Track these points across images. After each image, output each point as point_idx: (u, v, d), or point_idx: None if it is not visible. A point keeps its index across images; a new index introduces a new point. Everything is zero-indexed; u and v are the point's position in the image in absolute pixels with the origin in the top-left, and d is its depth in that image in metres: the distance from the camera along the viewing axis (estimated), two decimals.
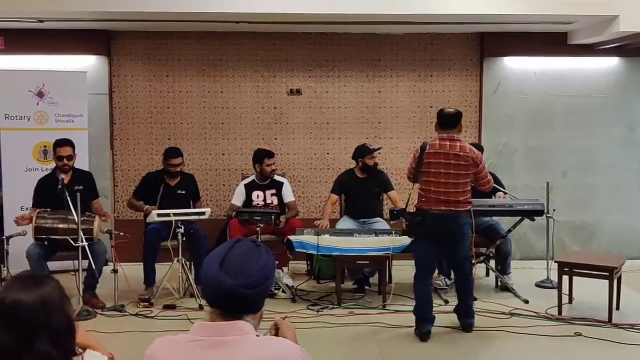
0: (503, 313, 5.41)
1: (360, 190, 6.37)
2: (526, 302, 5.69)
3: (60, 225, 5.41)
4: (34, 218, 5.39)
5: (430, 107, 7.34)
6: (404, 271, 6.21)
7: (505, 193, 6.09)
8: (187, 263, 5.85)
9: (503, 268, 6.14)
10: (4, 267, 5.29)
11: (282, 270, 6.07)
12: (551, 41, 7.12)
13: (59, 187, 5.38)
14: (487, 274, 6.51)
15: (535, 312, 5.41)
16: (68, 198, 5.26)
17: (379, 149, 6.50)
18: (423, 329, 4.86)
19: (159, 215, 5.69)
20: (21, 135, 6.50)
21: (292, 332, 1.91)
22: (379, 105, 7.37)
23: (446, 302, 5.62)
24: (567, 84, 7.37)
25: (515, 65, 7.34)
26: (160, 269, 5.87)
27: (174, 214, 5.67)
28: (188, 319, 5.23)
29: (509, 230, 6.06)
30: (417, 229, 4.90)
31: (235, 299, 1.74)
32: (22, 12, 6.06)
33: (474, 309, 5.11)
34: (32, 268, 5.22)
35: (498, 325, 5.14)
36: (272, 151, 6.52)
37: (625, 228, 7.45)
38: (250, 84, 7.30)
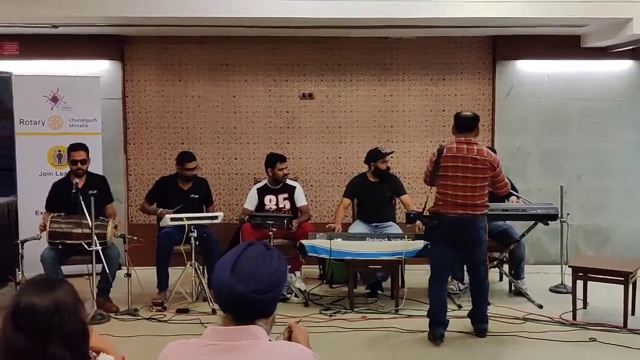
0: (517, 318, 5.38)
1: (373, 195, 6.36)
2: (540, 307, 5.65)
3: (75, 230, 5.45)
4: (49, 222, 5.43)
5: (443, 110, 7.32)
6: (416, 275, 6.20)
7: (518, 197, 6.05)
8: (200, 267, 5.86)
9: (517, 273, 6.11)
10: (19, 271, 5.32)
11: (295, 275, 6.07)
12: (564, 44, 7.09)
13: (73, 191, 5.42)
14: (501, 279, 6.47)
15: (549, 317, 5.37)
16: (82, 202, 5.29)
17: (391, 153, 6.49)
18: (437, 333, 4.85)
19: (172, 219, 5.71)
20: (36, 139, 6.55)
21: (305, 336, 1.91)
22: (391, 109, 7.36)
23: (459, 306, 5.59)
24: (581, 87, 7.32)
25: (528, 68, 7.31)
26: (174, 273, 5.88)
27: (187, 218, 5.69)
28: (201, 323, 5.24)
29: (523, 235, 6.03)
30: (434, 233, 4.89)
31: (247, 304, 1.74)
32: (36, 17, 6.12)
33: (488, 314, 5.08)
34: (46, 272, 5.26)
35: (512, 330, 5.10)
36: (284, 155, 6.52)
37: (639, 232, 7.39)
38: (263, 89, 7.31)
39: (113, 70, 7.17)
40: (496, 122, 7.33)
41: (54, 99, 6.62)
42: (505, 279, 6.29)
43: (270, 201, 6.39)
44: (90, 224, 5.26)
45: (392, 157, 6.58)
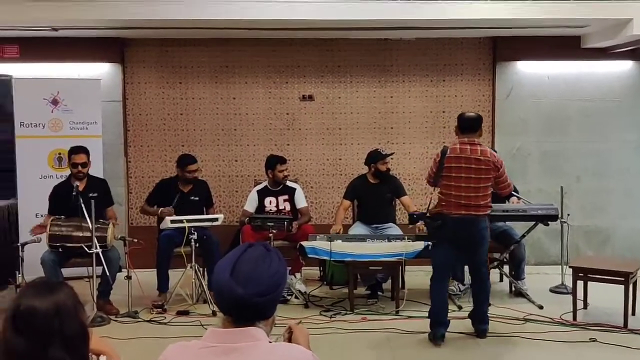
0: (517, 319, 5.38)
1: (373, 196, 6.36)
2: (540, 307, 5.65)
3: (75, 233, 5.45)
4: (49, 225, 5.43)
5: (443, 112, 7.33)
6: (417, 277, 6.21)
7: (519, 198, 6.06)
8: (200, 269, 5.86)
9: (517, 273, 6.11)
10: (19, 273, 5.32)
11: (295, 276, 6.08)
12: (564, 45, 7.10)
13: (74, 194, 5.42)
14: (501, 280, 6.47)
15: (549, 318, 5.37)
16: (82, 205, 5.29)
17: (391, 154, 6.49)
18: (437, 333, 4.85)
19: (172, 221, 5.71)
20: (36, 142, 6.55)
21: (305, 337, 1.91)
22: (391, 110, 7.37)
23: (460, 307, 5.59)
24: (581, 88, 7.33)
25: (528, 69, 7.32)
26: (174, 275, 5.88)
27: (187, 221, 5.70)
28: (201, 325, 5.24)
29: (523, 236, 6.03)
30: (437, 233, 4.90)
31: (246, 307, 1.73)
32: (37, 20, 6.13)
33: (488, 315, 5.08)
34: (46, 275, 5.27)
35: (512, 331, 5.11)
36: (284, 157, 6.53)
37: (639, 232, 7.38)
38: (263, 90, 7.32)
39: (113, 73, 7.17)
40: (496, 123, 7.33)
41: (54, 102, 6.63)
42: (506, 279, 6.29)
43: (270, 203, 6.40)
44: (90, 226, 5.26)
45: (392, 159, 6.58)
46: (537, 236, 7.00)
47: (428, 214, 5.07)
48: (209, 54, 7.26)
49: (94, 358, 1.91)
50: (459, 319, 5.20)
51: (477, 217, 4.78)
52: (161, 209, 6.01)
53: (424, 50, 7.31)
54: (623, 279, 5.14)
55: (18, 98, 6.55)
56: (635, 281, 5.33)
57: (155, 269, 5.91)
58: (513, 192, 5.82)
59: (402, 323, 5.31)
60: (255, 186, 6.59)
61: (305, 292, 5.95)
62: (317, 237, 5.90)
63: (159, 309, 5.61)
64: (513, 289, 6.14)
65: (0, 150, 7.02)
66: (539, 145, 7.38)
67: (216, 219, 5.91)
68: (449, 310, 5.06)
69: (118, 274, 5.69)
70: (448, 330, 4.94)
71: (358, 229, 6.31)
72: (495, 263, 6.05)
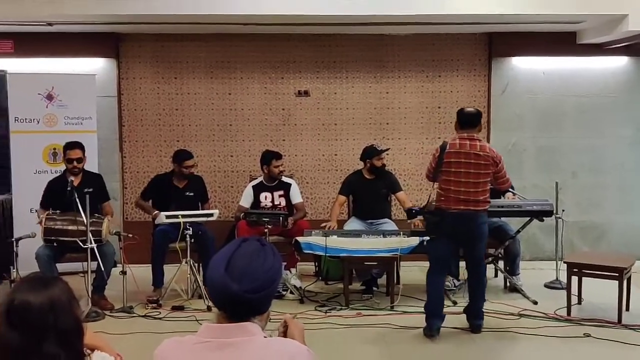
0: (512, 314, 5.40)
1: (368, 192, 6.36)
2: (535, 303, 5.67)
3: (70, 227, 5.44)
4: (44, 220, 5.42)
5: (439, 107, 7.33)
6: (411, 272, 6.22)
7: (514, 194, 6.06)
8: (196, 264, 5.86)
9: (512, 269, 6.13)
10: (14, 268, 5.31)
11: (290, 272, 6.08)
12: (560, 41, 7.10)
13: (68, 189, 5.41)
14: (496, 275, 6.49)
15: (544, 313, 5.39)
16: (77, 200, 5.28)
17: (387, 150, 6.50)
18: (433, 326, 4.87)
19: (167, 217, 5.71)
20: (31, 137, 6.54)
21: (300, 331, 1.90)
22: (386, 106, 7.37)
23: (454, 303, 5.60)
24: (576, 83, 7.34)
25: (523, 65, 7.32)
26: (169, 270, 5.88)
27: (183, 216, 5.69)
28: (196, 320, 5.25)
29: (518, 231, 6.04)
30: (436, 228, 4.91)
31: (241, 303, 1.73)
32: (32, 15, 6.10)
33: (483, 310, 5.09)
34: (41, 270, 5.24)
35: (507, 326, 5.12)
36: (280, 153, 6.53)
37: (635, 228, 7.41)
38: (259, 86, 7.31)
39: (108, 68, 7.15)
40: (492, 119, 7.34)
41: (49, 97, 6.61)
42: (501, 275, 6.31)
43: (265, 198, 6.39)
44: (85, 221, 5.26)
45: (387, 154, 6.58)
46: (532, 232, 7.01)
47: (425, 210, 5.08)
48: (205, 49, 7.24)
49: (89, 353, 1.90)
50: (453, 314, 5.20)
51: (476, 212, 4.80)
52: (156, 211, 5.96)
53: (420, 45, 7.30)
54: (617, 274, 5.16)
55: (13, 93, 6.53)
56: (630, 277, 5.36)
57: (151, 264, 5.91)
58: (509, 188, 5.84)
59: (397, 318, 5.32)
60: (250, 182, 6.59)
61: (300, 288, 5.95)
62: (313, 232, 5.91)
63: (154, 304, 5.61)
64: (508, 284, 6.15)
65: None
66: (535, 141, 7.39)
67: (211, 215, 5.90)
68: (444, 305, 5.07)
69: (113, 269, 5.69)
70: (443, 325, 4.95)
71: (353, 224, 6.31)
72: (490, 258, 6.05)
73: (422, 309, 5.02)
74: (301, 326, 1.92)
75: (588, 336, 4.86)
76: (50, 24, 6.49)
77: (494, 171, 4.83)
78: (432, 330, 4.86)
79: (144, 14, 5.98)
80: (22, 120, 6.55)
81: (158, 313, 5.49)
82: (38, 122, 6.58)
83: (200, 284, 5.71)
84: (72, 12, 5.95)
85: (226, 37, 7.19)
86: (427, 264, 5.08)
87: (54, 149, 6.54)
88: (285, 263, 5.83)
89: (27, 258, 5.41)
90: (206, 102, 7.30)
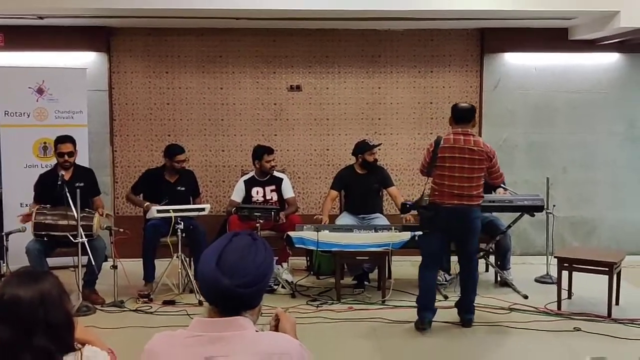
0: (502, 308, 5.42)
1: (360, 186, 6.37)
2: (525, 297, 5.70)
3: (60, 222, 5.42)
4: (34, 214, 5.40)
5: (431, 103, 7.34)
6: (403, 267, 6.24)
7: (505, 189, 6.09)
8: (187, 259, 5.85)
9: (503, 263, 6.15)
10: (4, 263, 5.30)
11: (282, 266, 6.08)
12: (552, 37, 7.11)
13: (59, 183, 5.38)
14: (487, 270, 6.51)
15: (534, 308, 5.42)
16: (68, 194, 5.26)
17: (378, 145, 6.50)
18: (425, 318, 4.89)
19: (158, 211, 5.69)
20: (21, 131, 6.50)
21: (292, 324, 1.89)
22: (379, 101, 7.37)
23: (446, 297, 5.62)
24: (568, 79, 7.36)
25: (515, 61, 7.33)
26: (160, 265, 5.87)
27: (174, 210, 5.68)
28: (187, 314, 5.24)
29: (509, 226, 6.07)
30: (430, 223, 4.92)
31: (232, 297, 1.72)
32: (22, 8, 6.06)
33: (474, 305, 5.11)
34: (31, 264, 5.22)
35: (497, 320, 5.15)
36: (271, 147, 6.52)
37: (625, 224, 7.45)
38: (250, 81, 7.29)
39: (99, 62, 7.11)
40: (484, 114, 7.35)
41: (40, 91, 6.57)
42: (491, 269, 6.34)
43: (257, 193, 6.39)
44: (75, 215, 5.23)
45: (379, 149, 6.58)
46: (522, 227, 7.04)
47: (418, 204, 5.09)
48: (196, 44, 7.22)
49: (79, 347, 1.89)
50: (445, 309, 5.22)
51: (469, 207, 4.82)
52: (147, 203, 5.96)
53: (412, 41, 7.30)
54: (607, 269, 5.19)
55: (2, 87, 6.49)
56: (620, 271, 5.39)
57: (142, 259, 5.89)
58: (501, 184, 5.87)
59: (388, 312, 5.34)
60: (242, 176, 6.58)
61: (292, 282, 5.96)
62: (304, 227, 5.91)
63: (145, 299, 5.60)
64: (498, 278, 6.18)
65: None
66: (526, 137, 7.41)
67: (203, 209, 5.89)
68: (435, 300, 5.09)
69: (104, 263, 5.66)
70: (434, 319, 4.96)
71: (345, 219, 6.32)
72: (481, 253, 6.07)
73: (414, 303, 5.04)
74: (293, 320, 1.92)
75: (578, 330, 4.89)
76: (40, 17, 6.45)
77: (488, 166, 4.85)
78: (423, 323, 4.88)
79: (136, 7, 5.95)
80: (12, 114, 6.51)
81: (149, 307, 5.48)
82: (28, 115, 6.54)
83: (192, 278, 5.70)
84: (63, 6, 5.92)
85: (218, 32, 7.16)
86: (418, 258, 5.10)
87: (45, 143, 6.51)
88: (276, 257, 5.84)
89: (17, 252, 5.39)
90: (198, 97, 7.27)
